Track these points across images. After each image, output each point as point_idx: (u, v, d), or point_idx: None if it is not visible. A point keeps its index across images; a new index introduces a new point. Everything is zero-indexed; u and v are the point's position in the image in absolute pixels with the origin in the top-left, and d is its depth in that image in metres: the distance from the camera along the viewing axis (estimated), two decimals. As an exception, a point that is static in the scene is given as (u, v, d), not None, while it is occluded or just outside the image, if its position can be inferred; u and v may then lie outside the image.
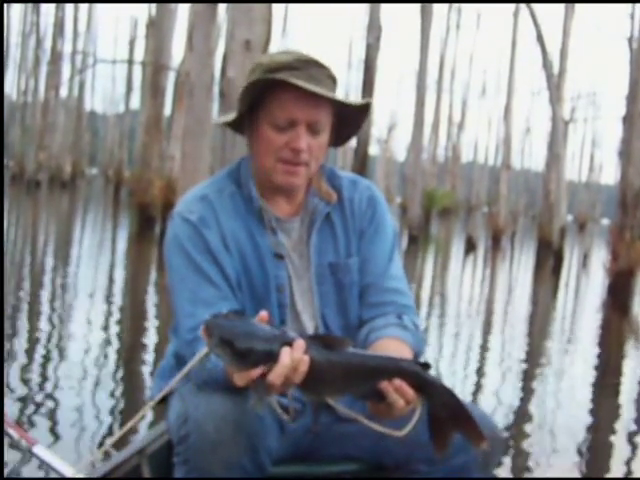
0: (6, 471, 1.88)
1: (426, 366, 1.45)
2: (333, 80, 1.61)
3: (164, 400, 1.68)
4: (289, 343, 1.34)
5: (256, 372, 1.32)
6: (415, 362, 1.46)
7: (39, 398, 3.56)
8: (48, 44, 34.20)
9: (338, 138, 1.69)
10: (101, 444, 3.03)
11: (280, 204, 1.68)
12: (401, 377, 1.42)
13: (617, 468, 3.46)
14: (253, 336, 1.33)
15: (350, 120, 1.67)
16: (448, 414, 1.44)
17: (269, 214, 1.65)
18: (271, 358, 1.32)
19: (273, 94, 1.57)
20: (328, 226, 1.69)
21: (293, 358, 1.32)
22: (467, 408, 1.44)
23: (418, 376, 1.44)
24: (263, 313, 1.36)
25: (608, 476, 3.35)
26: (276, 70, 1.56)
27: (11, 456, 1.91)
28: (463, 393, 4.40)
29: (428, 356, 5.53)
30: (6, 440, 1.76)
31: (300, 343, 1.34)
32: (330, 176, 1.73)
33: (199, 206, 1.63)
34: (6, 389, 3.57)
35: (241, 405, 1.46)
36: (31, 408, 3.40)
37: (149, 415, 3.31)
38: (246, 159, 1.71)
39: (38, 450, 1.71)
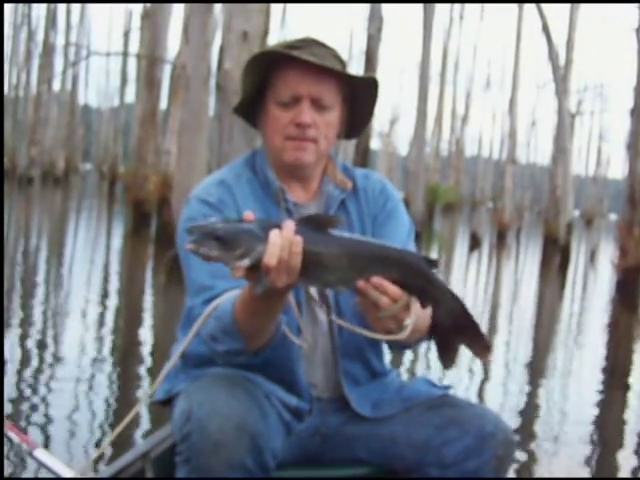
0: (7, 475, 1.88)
1: (433, 263, 1.39)
2: (340, 61, 1.64)
3: (170, 401, 1.69)
4: (278, 227, 1.33)
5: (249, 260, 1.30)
6: (422, 257, 1.39)
7: (33, 399, 3.57)
8: (40, 36, 34.21)
9: (350, 130, 1.73)
10: (97, 444, 3.03)
11: (296, 190, 1.71)
12: (404, 271, 1.37)
13: (625, 468, 3.47)
14: (237, 224, 1.31)
15: (360, 105, 1.70)
16: (453, 322, 1.39)
17: (287, 195, 1.68)
18: (261, 242, 1.30)
19: (277, 71, 1.62)
20: (343, 212, 1.72)
21: (284, 237, 1.31)
22: (473, 317, 1.40)
23: (422, 274, 1.38)
24: (248, 213, 1.36)
25: (615, 476, 3.37)
26: (276, 52, 1.61)
27: (12, 459, 1.91)
28: (468, 392, 4.41)
29: (430, 355, 5.53)
30: (7, 444, 1.76)
31: (289, 223, 1.33)
32: (343, 169, 1.77)
33: (217, 189, 1.67)
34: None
35: (245, 405, 1.47)
36: (25, 409, 3.40)
37: (153, 418, 3.31)
38: (261, 149, 1.75)
39: (39, 454, 1.71)
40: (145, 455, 1.78)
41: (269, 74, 1.63)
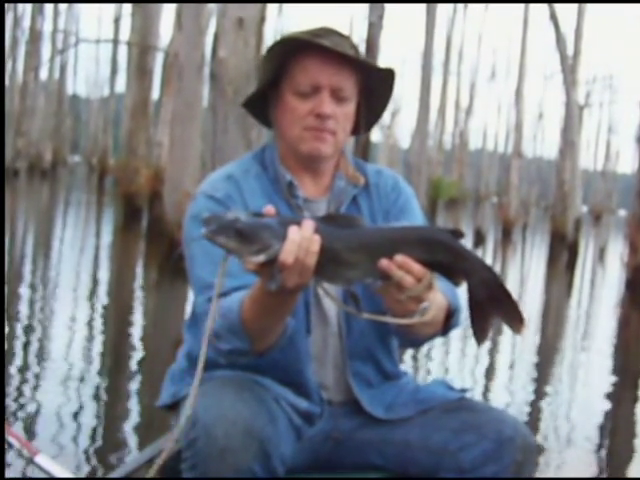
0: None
1: (457, 234, 1.38)
2: (356, 52, 1.65)
3: (176, 405, 1.69)
4: (297, 224, 1.34)
5: (265, 255, 1.31)
6: (445, 230, 1.39)
7: (22, 402, 3.57)
8: (27, 22, 34.09)
9: (363, 123, 1.74)
10: (89, 446, 3.03)
11: (307, 184, 1.72)
12: (429, 248, 1.37)
13: (633, 470, 3.49)
14: (256, 219, 1.32)
15: (374, 99, 1.72)
16: (486, 294, 1.38)
17: (297, 191, 1.69)
18: (279, 238, 1.31)
19: (296, 60, 1.63)
20: (355, 208, 1.73)
21: (302, 235, 1.32)
22: (507, 287, 1.40)
23: (449, 247, 1.37)
24: (269, 207, 1.37)
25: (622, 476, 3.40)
26: (297, 38, 1.62)
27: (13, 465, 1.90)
28: (474, 394, 4.41)
29: (435, 356, 5.53)
30: (8, 450, 1.75)
31: (309, 222, 1.34)
32: (355, 164, 1.78)
33: (225, 185, 1.67)
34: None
35: (253, 409, 1.47)
36: (17, 413, 3.40)
37: (158, 422, 3.31)
38: (271, 143, 1.76)
39: (41, 460, 1.70)
40: (151, 461, 1.78)
41: (286, 63, 1.63)
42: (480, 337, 1.42)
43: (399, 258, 1.36)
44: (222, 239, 1.29)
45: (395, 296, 1.40)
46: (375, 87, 1.70)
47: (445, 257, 1.37)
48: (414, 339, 1.64)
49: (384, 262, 1.36)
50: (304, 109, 1.63)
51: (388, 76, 1.69)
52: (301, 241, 1.31)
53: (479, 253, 15.97)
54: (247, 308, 1.45)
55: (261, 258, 1.31)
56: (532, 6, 22.25)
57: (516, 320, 1.40)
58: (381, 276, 1.38)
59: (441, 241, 1.37)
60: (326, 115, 1.62)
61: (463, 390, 1.75)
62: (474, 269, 1.38)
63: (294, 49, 1.61)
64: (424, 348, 5.60)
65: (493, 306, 1.39)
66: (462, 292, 1.46)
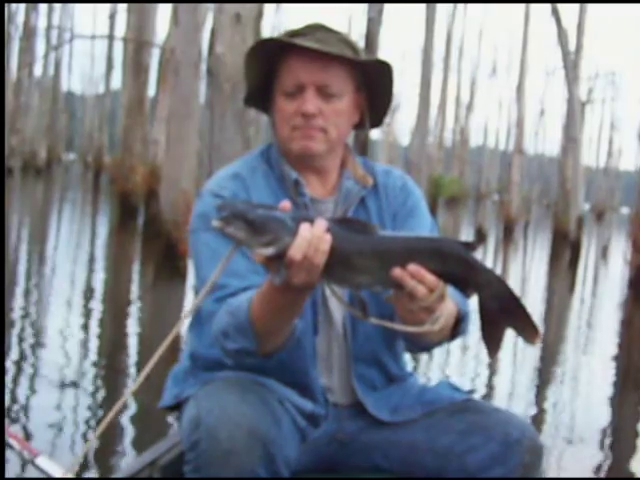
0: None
1: (471, 246, 1.38)
2: (349, 45, 1.65)
3: (178, 407, 1.69)
4: (310, 221, 1.34)
5: (274, 248, 1.32)
6: (459, 242, 1.38)
7: (21, 402, 3.59)
8: (20, 18, 34.07)
9: (367, 117, 1.73)
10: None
11: (313, 184, 1.72)
12: (442, 260, 1.37)
13: (636, 469, 3.51)
14: (270, 211, 1.33)
15: (376, 91, 1.71)
16: (499, 306, 1.38)
17: (303, 189, 1.69)
18: (289, 233, 1.32)
19: (281, 61, 1.64)
20: (363, 210, 1.73)
21: (313, 233, 1.33)
22: (520, 299, 1.39)
23: (463, 260, 1.37)
24: (285, 202, 1.38)
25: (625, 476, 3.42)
26: (276, 40, 1.63)
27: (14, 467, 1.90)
28: (477, 394, 4.41)
29: (435, 356, 5.54)
30: (8, 451, 1.76)
31: (322, 221, 1.35)
32: (364, 164, 1.78)
33: (231, 183, 1.68)
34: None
35: (257, 410, 1.47)
36: (14, 413, 3.41)
37: (157, 423, 3.32)
38: (275, 142, 1.77)
39: (41, 461, 1.70)
40: (153, 463, 1.78)
41: (275, 64, 1.65)
42: (492, 349, 1.42)
43: (412, 267, 1.36)
44: (232, 229, 1.31)
45: (407, 306, 1.41)
46: (373, 80, 1.69)
47: (458, 269, 1.38)
48: (421, 345, 1.64)
49: (397, 271, 1.36)
50: (290, 109, 1.64)
51: (384, 68, 1.68)
52: (312, 239, 1.32)
53: (480, 252, 15.95)
54: (256, 307, 1.46)
55: (270, 251, 1.32)
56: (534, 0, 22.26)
57: (530, 331, 1.39)
58: (392, 285, 1.38)
59: (454, 253, 1.38)
60: (309, 114, 1.62)
61: (469, 391, 1.75)
62: (487, 282, 1.38)
63: (278, 50, 1.63)
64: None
65: (505, 318, 1.39)
66: (473, 302, 1.46)
